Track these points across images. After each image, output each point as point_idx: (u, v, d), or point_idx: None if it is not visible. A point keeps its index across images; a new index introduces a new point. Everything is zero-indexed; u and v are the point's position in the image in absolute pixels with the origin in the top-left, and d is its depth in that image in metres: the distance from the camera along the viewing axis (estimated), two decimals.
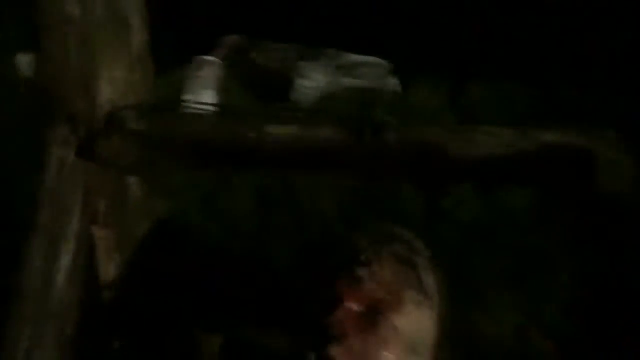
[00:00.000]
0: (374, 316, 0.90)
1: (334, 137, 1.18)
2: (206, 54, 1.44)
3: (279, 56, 1.41)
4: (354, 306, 0.91)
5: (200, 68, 1.47)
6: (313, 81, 1.39)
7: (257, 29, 1.42)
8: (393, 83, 1.39)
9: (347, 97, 1.30)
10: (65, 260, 1.35)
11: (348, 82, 1.38)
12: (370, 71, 1.40)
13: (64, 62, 1.34)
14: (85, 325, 1.35)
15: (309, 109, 1.28)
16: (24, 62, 1.36)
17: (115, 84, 1.40)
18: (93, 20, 1.33)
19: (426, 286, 0.93)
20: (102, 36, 1.37)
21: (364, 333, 0.89)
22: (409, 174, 1.14)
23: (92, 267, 1.43)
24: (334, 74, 1.39)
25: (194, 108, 1.38)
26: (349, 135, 1.15)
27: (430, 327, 0.93)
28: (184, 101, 1.40)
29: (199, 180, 1.48)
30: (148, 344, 1.34)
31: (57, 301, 1.30)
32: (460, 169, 1.11)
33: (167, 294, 1.44)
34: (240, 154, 1.28)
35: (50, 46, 1.35)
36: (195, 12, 1.39)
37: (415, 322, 0.92)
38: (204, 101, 1.40)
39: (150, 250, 1.49)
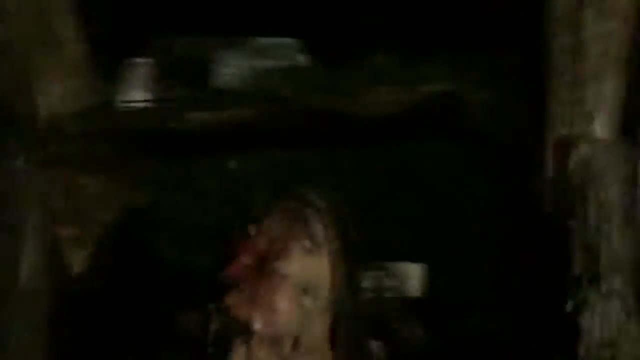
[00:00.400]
0: (264, 266, 0.97)
1: (243, 115, 1.25)
2: (136, 55, 1.52)
3: (198, 48, 1.48)
4: (246, 259, 0.99)
5: (132, 69, 1.54)
6: (230, 67, 1.45)
7: (179, 24, 1.49)
8: (302, 60, 1.46)
9: (260, 78, 1.37)
10: (30, 256, 1.43)
11: (261, 64, 1.44)
12: (280, 52, 1.46)
13: (3, 81, 1.45)
14: (57, 314, 1.45)
15: (223, 94, 1.35)
16: None
17: (53, 94, 1.47)
18: (25, 40, 1.42)
19: (315, 235, 0.99)
20: (35, 52, 1.44)
21: (255, 281, 0.97)
22: (314, 140, 1.21)
23: (60, 261, 1.53)
24: (248, 59, 1.45)
25: (127, 106, 1.45)
26: (256, 111, 1.22)
27: (321, 270, 0.99)
28: (118, 101, 1.48)
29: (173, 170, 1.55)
30: (120, 329, 1.43)
31: (24, 293, 1.39)
32: (359, 129, 1.18)
33: (133, 280, 1.52)
34: (166, 141, 1.36)
35: None
36: (121, 15, 1.47)
37: (304, 267, 0.98)
38: (136, 99, 1.48)
39: (112, 241, 1.57)
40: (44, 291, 1.43)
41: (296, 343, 0.99)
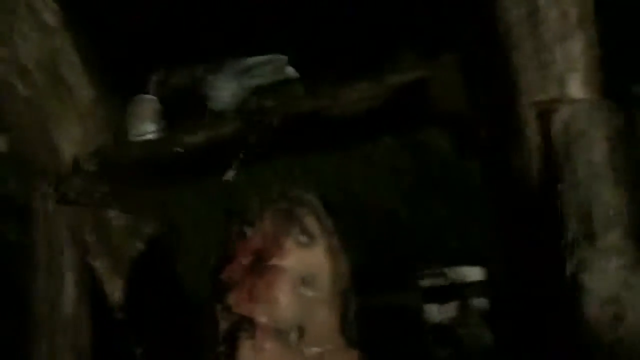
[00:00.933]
0: (260, 263, 0.99)
1: (233, 131, 1.28)
2: (139, 91, 1.58)
3: (193, 76, 1.52)
4: (244, 259, 1.00)
5: (139, 105, 1.60)
6: (223, 90, 1.49)
7: (174, 58, 1.55)
8: (290, 72, 1.47)
9: (249, 95, 1.40)
10: (69, 289, 1.49)
11: (252, 82, 1.47)
12: (269, 68, 1.49)
13: (25, 132, 1.51)
14: (98, 341, 1.50)
15: (217, 115, 1.39)
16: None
17: (72, 136, 1.55)
18: (39, 93, 1.48)
19: (309, 230, 1.01)
20: (50, 103, 1.51)
21: (254, 278, 0.98)
22: (295, 146, 1.22)
23: (98, 292, 1.59)
24: (239, 79, 1.48)
25: (138, 139, 1.51)
26: (243, 126, 1.24)
27: (319, 262, 1.01)
28: (130, 135, 1.53)
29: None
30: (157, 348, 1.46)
31: (66, 324, 1.43)
32: (334, 130, 1.18)
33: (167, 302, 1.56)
34: (171, 167, 1.41)
35: (11, 123, 1.53)
36: (123, 57, 1.54)
37: (300, 260, 0.99)
38: (145, 132, 1.54)
39: (142, 267, 1.63)
40: (86, 320, 1.49)
41: (302, 333, 0.99)
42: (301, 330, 1.00)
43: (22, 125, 1.49)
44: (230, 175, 1.18)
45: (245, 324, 0.97)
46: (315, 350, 0.99)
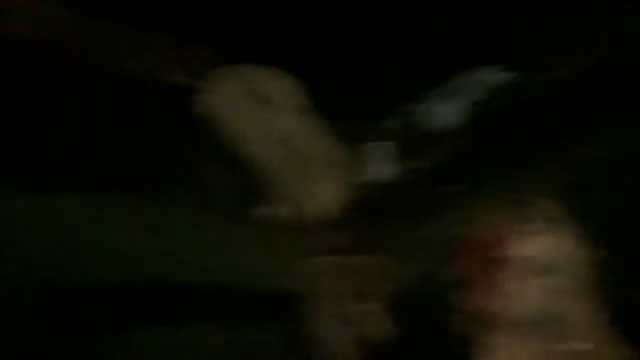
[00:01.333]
0: (493, 257, 0.93)
1: (456, 148, 1.23)
2: (369, 138, 1.67)
3: (411, 111, 1.55)
4: (475, 255, 0.94)
5: (371, 152, 1.66)
6: (443, 116, 1.47)
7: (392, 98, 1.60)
8: (501, 77, 1.38)
9: (468, 112, 1.35)
10: (336, 332, 1.59)
11: (467, 98, 1.42)
12: (479, 79, 1.42)
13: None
14: None
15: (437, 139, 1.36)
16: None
17: (320, 199, 1.68)
18: (290, 170, 1.68)
19: (538, 217, 0.93)
20: (299, 176, 1.70)
21: (490, 275, 0.91)
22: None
23: (362, 332, 1.63)
24: (454, 100, 1.45)
25: (376, 183, 1.58)
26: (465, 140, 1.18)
27: (558, 247, 0.91)
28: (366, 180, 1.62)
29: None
30: None
31: None
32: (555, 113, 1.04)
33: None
34: (407, 201, 1.41)
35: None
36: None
37: (535, 248, 0.92)
38: (379, 175, 1.61)
39: (400, 308, 1.62)
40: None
41: (556, 326, 0.87)
42: (554, 323, 0.89)
43: (283, 197, 1.73)
44: (459, 189, 1.16)
45: (489, 321, 0.91)
46: (575, 346, 0.86)
